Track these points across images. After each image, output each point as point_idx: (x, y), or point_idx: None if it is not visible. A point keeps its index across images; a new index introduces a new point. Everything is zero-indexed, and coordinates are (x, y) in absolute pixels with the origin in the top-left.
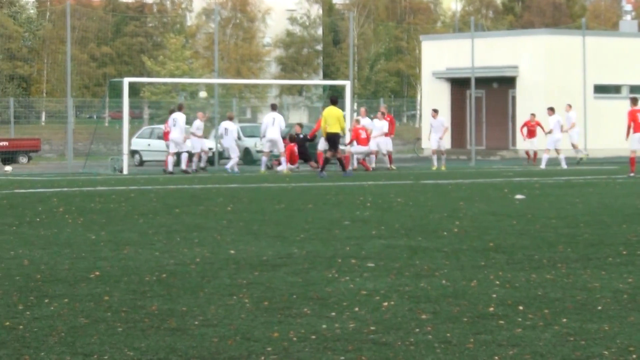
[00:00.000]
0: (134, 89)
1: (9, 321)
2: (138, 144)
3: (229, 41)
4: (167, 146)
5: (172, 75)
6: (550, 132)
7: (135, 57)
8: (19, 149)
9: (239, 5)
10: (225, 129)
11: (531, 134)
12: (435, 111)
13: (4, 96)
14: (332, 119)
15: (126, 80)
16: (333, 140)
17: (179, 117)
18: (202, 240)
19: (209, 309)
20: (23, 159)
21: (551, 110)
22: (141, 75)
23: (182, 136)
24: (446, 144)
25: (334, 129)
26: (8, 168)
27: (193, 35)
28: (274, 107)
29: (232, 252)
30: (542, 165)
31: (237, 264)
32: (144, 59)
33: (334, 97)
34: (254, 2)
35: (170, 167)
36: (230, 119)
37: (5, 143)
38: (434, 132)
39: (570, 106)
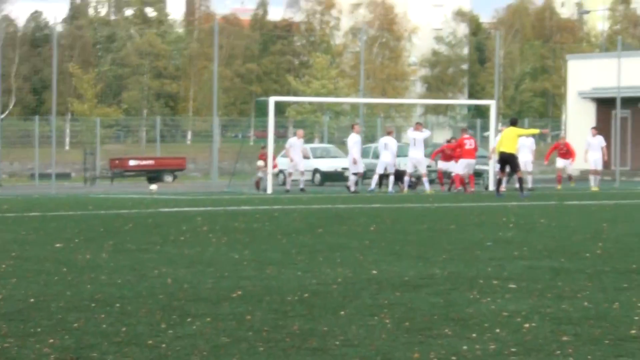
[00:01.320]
0: (279, 107)
1: (152, 340)
2: (283, 163)
3: (375, 60)
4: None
5: (318, 94)
6: None
7: (282, 75)
8: (164, 167)
9: (386, 24)
10: (385, 144)
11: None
12: (595, 129)
13: (151, 115)
14: (509, 140)
15: (272, 100)
16: (506, 159)
17: (389, 141)
18: (344, 260)
19: (350, 329)
20: (168, 178)
21: None
22: (287, 93)
23: (394, 159)
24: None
25: (509, 149)
26: (153, 187)
27: (340, 54)
28: (418, 126)
29: (374, 272)
30: None
31: (378, 284)
32: (289, 79)
33: (514, 119)
34: (401, 21)
35: (353, 187)
36: (390, 134)
37: (151, 162)
38: (592, 150)
39: None
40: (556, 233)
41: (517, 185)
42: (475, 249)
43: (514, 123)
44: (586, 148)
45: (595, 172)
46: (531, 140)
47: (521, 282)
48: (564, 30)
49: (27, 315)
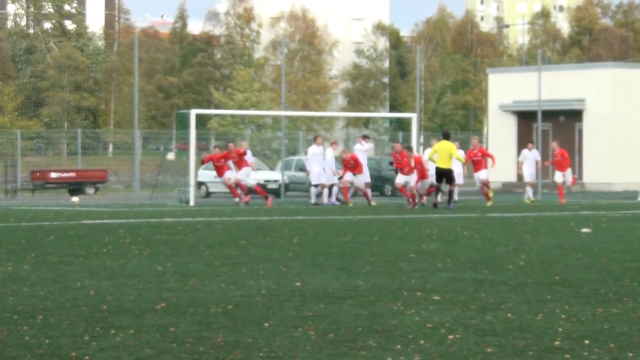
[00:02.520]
0: (201, 120)
1: (75, 352)
2: (205, 175)
3: (296, 73)
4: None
5: (241, 107)
6: None
7: (204, 87)
8: (86, 180)
9: (306, 37)
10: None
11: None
12: (531, 143)
13: (71, 127)
14: (445, 155)
15: (193, 112)
16: (445, 175)
17: (328, 151)
18: (267, 272)
19: (274, 341)
20: (90, 190)
21: None
22: (209, 106)
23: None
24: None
25: (446, 164)
26: (75, 199)
27: (261, 67)
28: (359, 139)
29: (298, 284)
30: None
31: (302, 296)
32: (212, 91)
33: (447, 132)
34: (322, 34)
35: (314, 199)
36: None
37: (72, 174)
38: (528, 164)
39: None
40: (479, 245)
41: (447, 197)
42: (399, 260)
43: (447, 136)
44: (521, 160)
45: (529, 184)
46: (462, 153)
47: (445, 294)
48: (484, 44)
49: None
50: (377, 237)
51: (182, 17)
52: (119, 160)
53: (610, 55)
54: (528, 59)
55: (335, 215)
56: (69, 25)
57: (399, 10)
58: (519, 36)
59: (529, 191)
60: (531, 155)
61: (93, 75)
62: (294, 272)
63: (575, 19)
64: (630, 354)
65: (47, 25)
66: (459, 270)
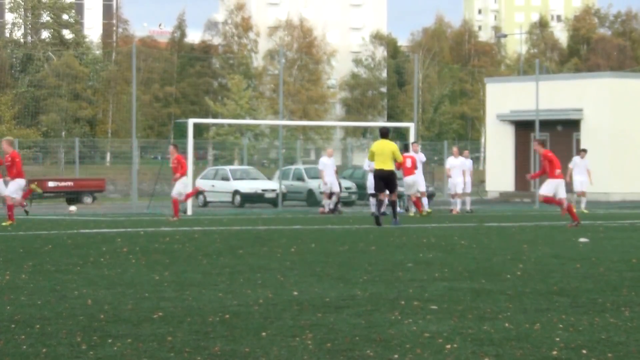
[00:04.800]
0: (199, 129)
1: None
2: (202, 184)
3: (294, 83)
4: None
5: (235, 115)
6: None
7: (201, 97)
8: (83, 189)
9: (304, 47)
10: (325, 164)
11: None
12: (584, 151)
13: (69, 136)
14: (385, 156)
15: (191, 121)
16: (387, 179)
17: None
18: (265, 281)
19: (271, 350)
20: (88, 199)
21: None
22: (206, 115)
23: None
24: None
25: (388, 165)
26: (73, 208)
27: (259, 76)
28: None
29: (295, 293)
30: None
31: (300, 305)
32: (207, 100)
33: (385, 129)
34: (319, 44)
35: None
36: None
37: (70, 183)
38: (579, 173)
39: None
40: (477, 254)
41: (391, 210)
42: (396, 270)
43: (385, 134)
44: (572, 167)
45: (581, 194)
46: (461, 160)
47: (442, 303)
48: (482, 53)
49: None
50: (374, 247)
51: (180, 27)
52: (117, 169)
53: (608, 64)
54: (526, 68)
55: (333, 224)
56: (67, 34)
57: (397, 20)
58: (516, 46)
59: (583, 201)
60: (583, 164)
61: (91, 84)
62: (292, 282)
63: (573, 28)
64: None
65: (45, 34)
66: (456, 279)
